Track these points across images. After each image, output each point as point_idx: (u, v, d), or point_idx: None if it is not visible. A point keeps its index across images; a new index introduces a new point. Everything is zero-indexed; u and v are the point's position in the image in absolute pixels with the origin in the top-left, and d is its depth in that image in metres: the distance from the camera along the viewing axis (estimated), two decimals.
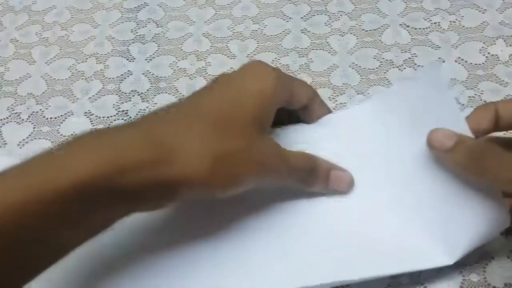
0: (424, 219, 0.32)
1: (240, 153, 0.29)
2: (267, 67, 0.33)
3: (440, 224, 0.31)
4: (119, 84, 0.45)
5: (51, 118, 0.44)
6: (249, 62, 0.33)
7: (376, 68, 0.43)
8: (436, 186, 0.31)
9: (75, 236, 0.26)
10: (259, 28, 0.48)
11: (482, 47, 0.44)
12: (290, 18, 0.48)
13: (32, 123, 0.44)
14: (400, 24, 0.46)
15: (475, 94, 0.41)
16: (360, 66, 0.44)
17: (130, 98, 0.44)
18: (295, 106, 0.35)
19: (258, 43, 0.47)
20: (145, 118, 0.30)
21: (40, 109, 0.45)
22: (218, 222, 0.33)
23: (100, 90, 0.45)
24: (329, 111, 0.37)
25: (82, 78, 0.46)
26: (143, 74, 0.46)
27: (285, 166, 0.31)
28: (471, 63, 0.43)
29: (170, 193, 0.27)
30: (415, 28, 0.46)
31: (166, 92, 0.44)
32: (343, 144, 0.35)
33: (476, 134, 0.30)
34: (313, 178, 0.33)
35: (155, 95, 0.44)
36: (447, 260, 0.30)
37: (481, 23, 0.45)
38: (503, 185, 0.28)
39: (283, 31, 0.47)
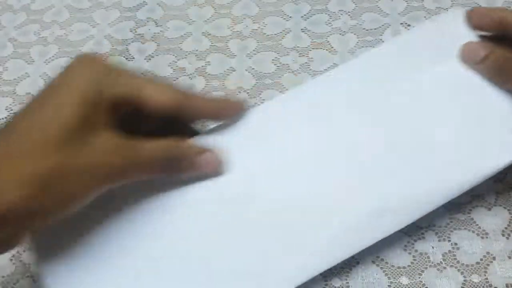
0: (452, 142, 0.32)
1: (68, 166, 0.26)
2: (90, 65, 0.30)
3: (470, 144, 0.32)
4: None
5: None
6: (74, 59, 0.30)
7: None
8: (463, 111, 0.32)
9: None
10: (259, 27, 0.48)
11: None
12: (290, 17, 0.48)
13: None
14: (401, 23, 0.46)
15: None
16: None
17: None
18: (151, 109, 0.31)
19: (258, 42, 0.46)
20: None
21: None
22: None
23: None
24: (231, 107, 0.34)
25: None
26: (142, 73, 0.45)
27: (133, 163, 0.29)
28: None
29: None
30: None
31: None
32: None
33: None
34: (175, 167, 0.31)
35: None
36: (479, 177, 0.31)
37: None
38: None
39: (283, 30, 0.47)
